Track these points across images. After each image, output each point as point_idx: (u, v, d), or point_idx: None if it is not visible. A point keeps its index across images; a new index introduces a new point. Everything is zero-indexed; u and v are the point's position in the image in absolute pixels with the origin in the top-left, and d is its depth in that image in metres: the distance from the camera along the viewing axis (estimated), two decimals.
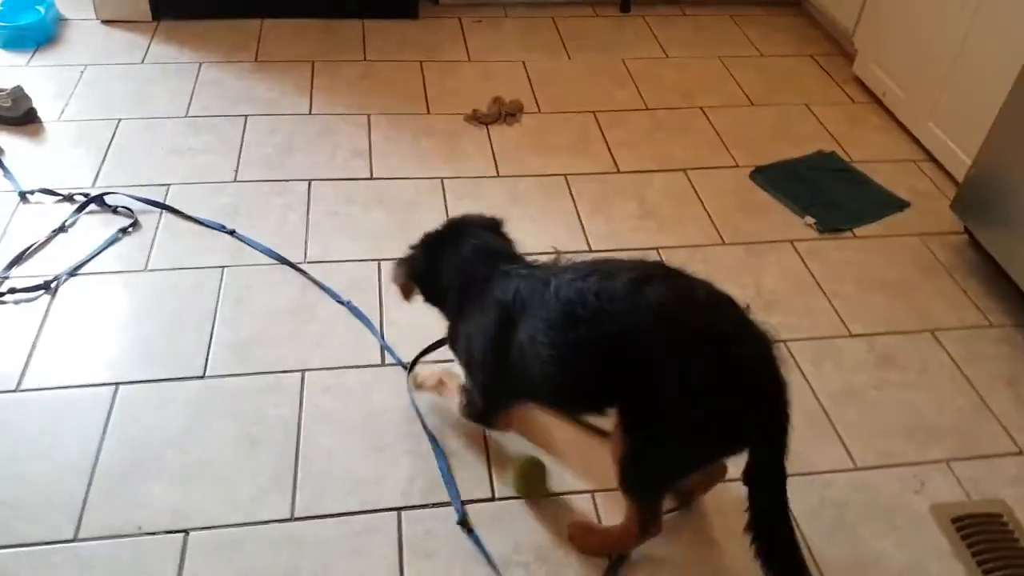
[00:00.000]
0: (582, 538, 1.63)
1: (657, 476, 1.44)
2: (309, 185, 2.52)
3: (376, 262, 2.27)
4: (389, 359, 1.99)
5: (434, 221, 2.37)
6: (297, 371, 1.94)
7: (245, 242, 2.28)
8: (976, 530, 1.72)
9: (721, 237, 2.47)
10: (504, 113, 2.88)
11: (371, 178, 2.59)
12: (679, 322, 1.31)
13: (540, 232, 2.44)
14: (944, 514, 1.76)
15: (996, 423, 1.98)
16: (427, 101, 2.95)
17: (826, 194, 2.63)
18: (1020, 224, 2.19)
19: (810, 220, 2.53)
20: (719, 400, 1.30)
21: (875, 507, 1.77)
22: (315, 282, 2.17)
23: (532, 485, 1.71)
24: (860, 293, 2.31)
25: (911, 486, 1.82)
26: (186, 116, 2.76)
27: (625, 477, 1.43)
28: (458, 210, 2.46)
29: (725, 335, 1.30)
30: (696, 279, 1.41)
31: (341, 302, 2.12)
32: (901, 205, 2.62)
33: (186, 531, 1.61)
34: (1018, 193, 2.18)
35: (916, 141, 2.86)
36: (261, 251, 2.25)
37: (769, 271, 2.37)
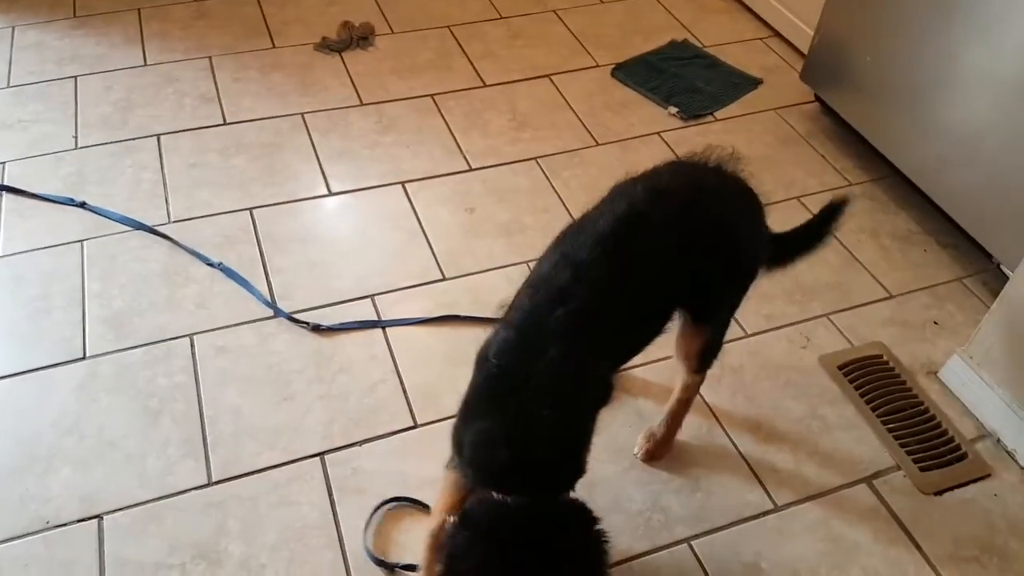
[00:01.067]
0: (661, 451, 1.66)
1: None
2: (159, 140, 2.36)
3: (248, 211, 2.17)
4: (284, 306, 1.93)
5: (303, 161, 2.33)
6: (184, 336, 1.85)
7: (99, 212, 2.12)
8: (860, 372, 1.88)
9: (594, 138, 2.50)
10: (356, 38, 2.77)
11: (225, 123, 2.44)
12: (708, 210, 1.36)
13: (416, 157, 2.39)
14: (831, 363, 1.90)
15: (866, 273, 2.13)
16: (270, 34, 2.79)
17: (684, 82, 2.69)
18: (865, 85, 2.32)
19: (673, 110, 2.59)
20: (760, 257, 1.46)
21: (769, 367, 1.89)
22: (181, 246, 2.06)
23: None
24: None
25: (798, 343, 1.95)
26: (8, 87, 2.50)
27: (704, 361, 1.52)
28: (326, 148, 2.39)
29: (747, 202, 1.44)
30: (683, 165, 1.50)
31: (212, 264, 2.02)
32: (755, 83, 2.72)
33: (99, 516, 1.53)
34: (859, 55, 2.30)
35: (760, 19, 2.96)
36: (117, 220, 2.10)
37: (643, 164, 2.36)
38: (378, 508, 1.56)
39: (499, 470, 1.15)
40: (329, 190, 2.28)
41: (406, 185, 2.31)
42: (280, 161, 2.34)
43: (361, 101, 2.57)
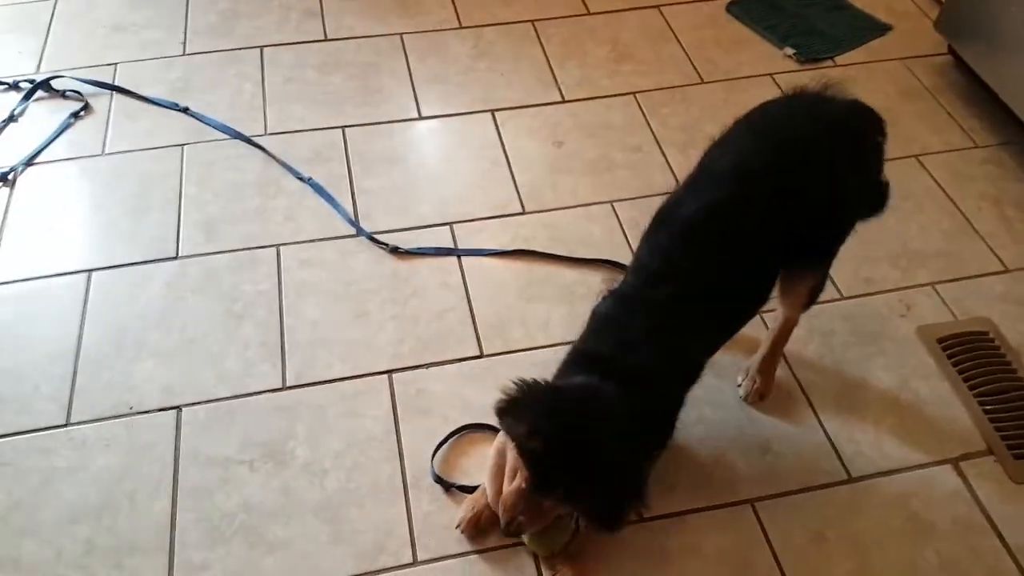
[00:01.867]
0: (768, 388, 1.63)
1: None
2: (261, 52, 2.39)
3: (340, 129, 2.18)
4: (366, 226, 1.94)
5: (397, 83, 2.31)
6: (271, 246, 1.89)
7: (200, 119, 2.17)
8: (962, 348, 1.75)
9: (700, 76, 2.38)
10: None
11: (326, 39, 2.45)
12: (818, 157, 1.36)
13: (509, 86, 2.33)
14: (930, 335, 1.78)
15: (982, 243, 1.97)
16: None
17: (805, 22, 2.51)
18: (1006, 39, 2.10)
19: (790, 51, 2.43)
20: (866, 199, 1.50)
21: (862, 333, 1.78)
22: (275, 158, 2.08)
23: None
24: None
25: (897, 310, 1.83)
26: None
27: (810, 301, 1.52)
28: (421, 72, 2.36)
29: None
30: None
31: (302, 179, 2.03)
32: (883, 29, 2.52)
33: (178, 407, 1.60)
34: (1003, 5, 2.08)
35: None
36: (217, 128, 2.15)
37: (750, 107, 2.28)
38: (452, 435, 1.57)
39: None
40: (420, 114, 2.26)
41: (495, 114, 2.26)
42: (375, 82, 2.33)
43: (460, 24, 2.52)
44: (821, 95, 1.42)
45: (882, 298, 1.85)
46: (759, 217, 1.32)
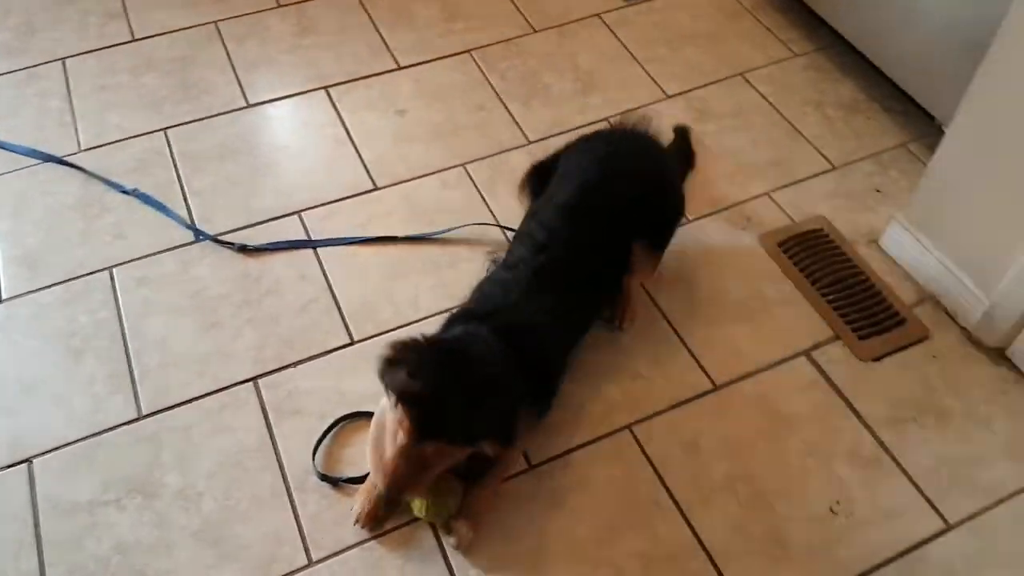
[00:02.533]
0: (637, 312, 1.74)
1: None
2: (64, 64, 2.22)
3: (161, 132, 2.07)
4: (205, 230, 1.86)
5: (218, 73, 2.21)
6: (103, 270, 1.78)
7: (3, 147, 2.01)
8: (800, 248, 1.85)
9: (531, 25, 2.38)
10: None
11: (133, 39, 2.30)
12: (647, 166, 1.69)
13: (338, 60, 2.27)
14: (771, 241, 1.87)
15: (809, 146, 2.08)
16: None
17: None
18: None
19: None
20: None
21: (710, 251, 1.86)
22: (93, 175, 1.96)
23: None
24: (672, 53, 2.31)
25: (739, 223, 1.92)
26: None
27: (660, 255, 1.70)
28: (242, 57, 2.26)
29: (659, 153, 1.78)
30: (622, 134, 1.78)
31: (126, 191, 1.92)
32: None
33: (28, 460, 1.50)
34: None
35: None
36: (24, 153, 2.00)
37: (583, 51, 2.32)
38: (329, 429, 1.54)
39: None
40: (247, 102, 2.17)
41: (330, 90, 2.20)
42: (194, 75, 2.22)
43: (278, 2, 2.42)
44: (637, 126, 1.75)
45: (724, 214, 1.93)
46: (616, 199, 1.57)
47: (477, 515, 1.42)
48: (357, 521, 1.41)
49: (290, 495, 1.47)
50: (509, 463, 1.48)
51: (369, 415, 1.52)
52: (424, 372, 1.24)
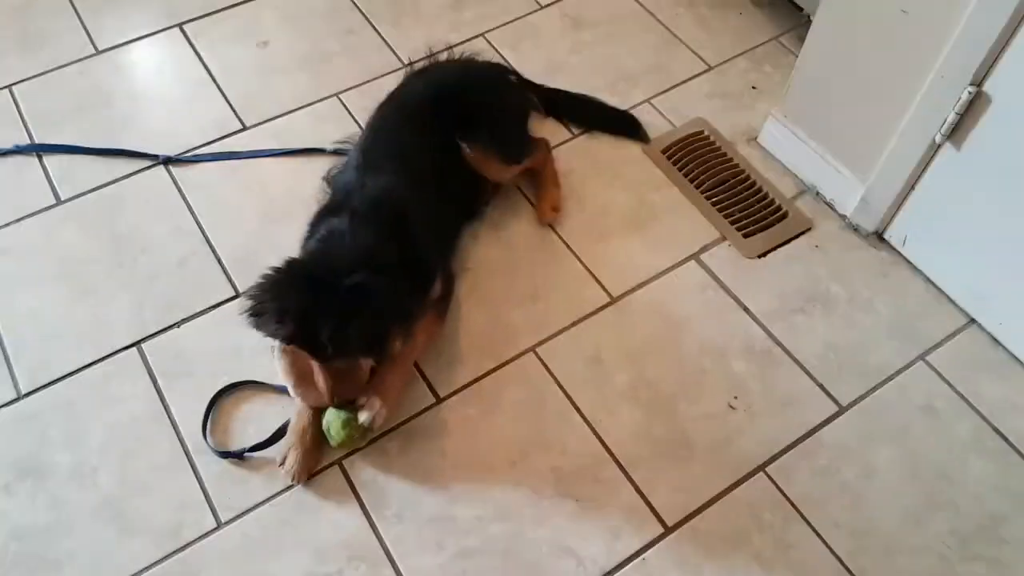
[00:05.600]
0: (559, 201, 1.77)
1: (518, 138, 1.78)
2: None
3: (7, 89, 1.92)
4: (65, 192, 1.74)
5: (61, 20, 2.02)
6: None
7: None
8: (683, 153, 1.87)
9: None
10: None
11: None
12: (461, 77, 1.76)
13: None
14: (655, 148, 1.88)
15: (685, 49, 2.08)
16: None
17: None
18: None
19: None
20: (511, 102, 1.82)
21: (596, 164, 1.86)
22: None
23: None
24: None
25: (623, 136, 1.91)
26: None
27: (510, 156, 1.70)
28: (85, 0, 2.08)
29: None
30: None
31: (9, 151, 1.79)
32: None
33: None
34: None
35: None
36: None
37: None
38: (213, 402, 1.48)
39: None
40: (96, 48, 2.01)
41: (184, 27, 2.06)
42: (35, 25, 2.04)
43: None
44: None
45: None
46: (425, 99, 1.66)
47: (386, 392, 1.41)
48: (293, 478, 1.38)
49: (190, 459, 1.43)
50: (415, 346, 1.47)
51: (256, 384, 1.49)
52: (288, 310, 1.25)
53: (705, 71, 2.04)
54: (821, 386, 1.57)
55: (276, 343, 1.33)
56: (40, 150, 1.80)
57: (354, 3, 2.13)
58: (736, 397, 1.55)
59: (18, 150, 1.80)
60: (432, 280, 1.47)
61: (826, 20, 1.62)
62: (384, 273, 1.29)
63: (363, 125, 1.86)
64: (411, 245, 1.40)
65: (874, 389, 1.57)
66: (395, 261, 1.34)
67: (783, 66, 2.03)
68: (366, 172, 1.49)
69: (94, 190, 1.75)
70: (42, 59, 1.97)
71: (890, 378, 1.58)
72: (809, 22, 1.70)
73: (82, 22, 2.05)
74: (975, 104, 1.43)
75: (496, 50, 2.04)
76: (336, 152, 1.81)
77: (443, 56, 1.82)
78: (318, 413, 1.41)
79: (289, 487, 1.40)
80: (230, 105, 1.92)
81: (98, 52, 2.00)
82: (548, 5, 2.15)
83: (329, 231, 1.38)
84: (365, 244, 1.34)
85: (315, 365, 1.32)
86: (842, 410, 1.54)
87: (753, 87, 2.01)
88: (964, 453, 1.50)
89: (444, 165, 1.60)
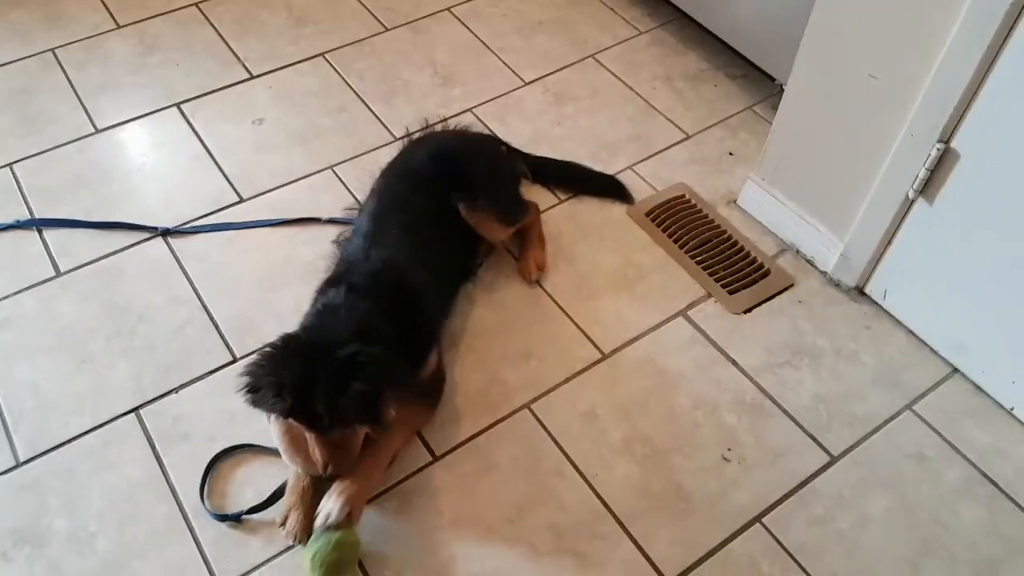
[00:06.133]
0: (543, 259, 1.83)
1: (513, 200, 1.84)
2: None
3: (7, 168, 1.97)
4: (64, 264, 1.77)
5: (61, 102, 2.10)
6: None
7: None
8: (666, 215, 1.94)
9: (383, 23, 2.39)
10: None
11: None
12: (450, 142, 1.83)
13: (187, 76, 2.20)
14: (639, 212, 1.95)
15: (663, 118, 2.17)
16: None
17: None
18: None
19: None
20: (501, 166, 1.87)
21: (583, 227, 1.92)
22: None
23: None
24: (524, 41, 2.36)
25: (607, 200, 1.98)
26: None
27: (508, 217, 1.78)
28: (85, 83, 2.16)
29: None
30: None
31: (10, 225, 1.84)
32: None
33: None
34: None
35: None
36: None
37: (438, 46, 2.34)
38: (210, 466, 1.48)
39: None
40: (96, 127, 2.07)
41: (182, 107, 2.13)
42: (36, 106, 2.11)
43: (118, 23, 2.33)
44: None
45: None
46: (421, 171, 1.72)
47: (360, 480, 1.37)
48: (295, 539, 1.37)
49: (188, 522, 1.42)
50: (391, 440, 1.44)
51: (240, 447, 1.50)
52: (285, 384, 1.26)
53: (683, 139, 2.13)
54: (812, 437, 1.59)
55: (275, 420, 1.34)
56: (40, 224, 1.84)
57: (346, 82, 2.22)
58: (729, 449, 1.57)
59: (18, 224, 1.83)
60: (428, 350, 1.50)
61: (798, 87, 1.71)
62: (378, 342, 1.32)
63: (356, 195, 1.94)
64: (409, 314, 1.44)
65: (864, 439, 1.59)
66: (390, 331, 1.37)
67: (758, 133, 2.13)
68: (374, 239, 1.54)
69: (93, 262, 1.78)
70: (42, 138, 2.03)
71: (879, 428, 1.61)
72: (781, 91, 1.79)
73: (82, 103, 2.13)
74: (944, 160, 1.51)
75: (484, 123, 2.13)
76: (332, 221, 1.86)
77: (438, 127, 1.89)
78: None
79: (289, 547, 1.39)
80: (227, 179, 1.98)
81: (97, 131, 2.07)
82: (532, 82, 2.25)
83: (325, 304, 1.41)
84: (361, 317, 1.37)
85: (309, 436, 1.32)
86: (834, 460, 1.56)
87: (730, 153, 2.10)
88: (956, 500, 1.52)
89: (445, 228, 1.67)
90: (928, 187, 1.56)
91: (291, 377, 1.26)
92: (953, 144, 1.49)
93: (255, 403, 1.28)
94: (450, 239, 1.68)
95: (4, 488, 1.45)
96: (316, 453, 1.32)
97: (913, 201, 1.60)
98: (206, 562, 1.38)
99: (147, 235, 1.84)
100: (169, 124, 2.10)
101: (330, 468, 1.32)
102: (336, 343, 1.29)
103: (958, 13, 1.36)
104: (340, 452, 1.33)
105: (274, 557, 1.39)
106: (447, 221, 1.67)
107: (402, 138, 1.91)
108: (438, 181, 1.68)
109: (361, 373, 1.26)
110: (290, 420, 1.30)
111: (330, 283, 1.48)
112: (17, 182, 1.94)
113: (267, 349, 1.32)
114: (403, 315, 1.42)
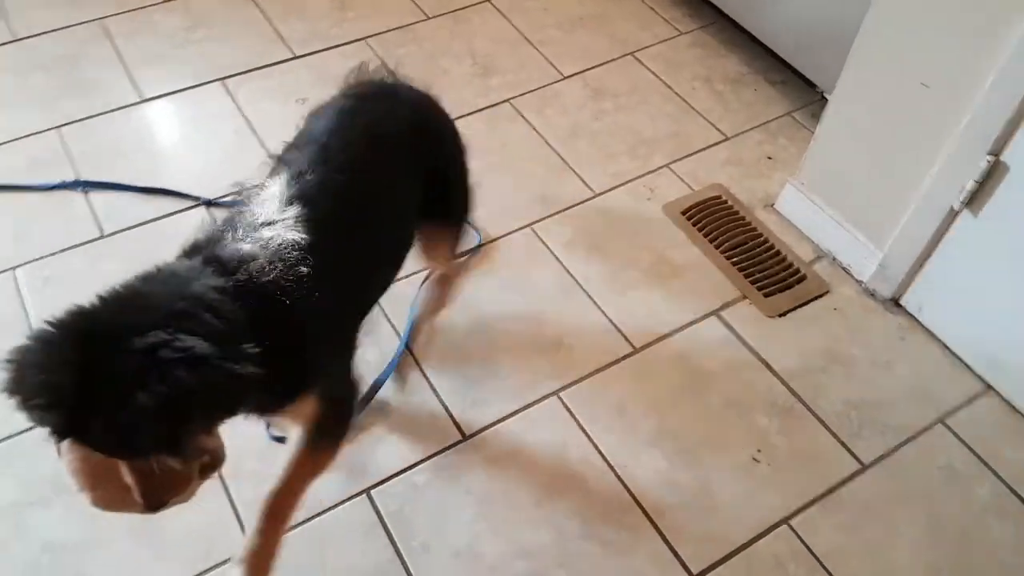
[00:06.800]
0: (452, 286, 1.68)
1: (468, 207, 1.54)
2: None
3: (56, 130, 1.99)
4: (109, 227, 1.79)
5: (109, 70, 2.12)
6: (6, 271, 1.71)
7: None
8: (702, 215, 1.93)
9: (424, 12, 2.40)
10: None
11: (15, 39, 2.20)
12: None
13: (232, 52, 2.22)
14: (675, 210, 1.95)
15: (702, 119, 2.17)
16: None
17: None
18: None
19: None
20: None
21: (618, 222, 1.92)
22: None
23: None
24: (564, 35, 2.37)
25: (643, 195, 1.98)
26: None
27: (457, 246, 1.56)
28: (132, 53, 2.19)
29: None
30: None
31: (57, 187, 1.86)
32: None
33: None
34: None
35: None
36: None
37: (478, 36, 2.35)
38: None
39: None
40: (142, 96, 2.10)
41: (226, 82, 2.15)
42: (84, 73, 2.13)
43: None
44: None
45: (629, 187, 2.00)
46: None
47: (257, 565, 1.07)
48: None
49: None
50: (288, 486, 1.11)
51: None
52: (60, 387, 0.84)
53: (722, 141, 2.13)
54: (843, 443, 1.59)
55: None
56: (86, 187, 1.86)
57: (387, 67, 2.23)
58: (759, 450, 1.56)
59: (65, 185, 1.86)
60: (306, 384, 1.06)
61: (846, 92, 1.71)
62: (209, 337, 0.88)
63: None
64: (292, 327, 1.02)
65: (895, 449, 1.59)
66: (243, 331, 0.92)
67: (797, 139, 2.13)
68: (290, 207, 1.09)
69: (137, 226, 1.80)
70: (89, 104, 2.06)
71: (911, 439, 1.60)
72: (822, 99, 1.79)
73: (128, 72, 2.15)
74: (993, 173, 1.50)
75: (521, 115, 2.14)
76: None
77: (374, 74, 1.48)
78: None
79: (326, 509, 1.40)
80: (270, 154, 1.99)
81: (143, 100, 2.09)
82: (570, 76, 2.26)
83: (158, 271, 0.97)
84: (197, 295, 0.92)
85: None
86: (864, 468, 1.56)
87: (769, 157, 2.10)
88: (985, 515, 1.51)
89: (392, 225, 1.29)
90: (974, 199, 1.55)
91: (68, 376, 0.83)
92: (1003, 157, 1.48)
93: (23, 409, 0.85)
94: (393, 244, 1.30)
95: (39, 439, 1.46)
96: (128, 478, 0.88)
97: (958, 213, 1.59)
98: (237, 518, 1.39)
99: (190, 203, 1.86)
100: (213, 99, 2.11)
101: (145, 502, 0.90)
102: (139, 328, 0.86)
103: (1018, 24, 1.36)
104: (156, 479, 0.89)
105: (299, 524, 1.40)
106: (396, 215, 1.28)
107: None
108: (412, 163, 1.28)
109: (154, 377, 0.83)
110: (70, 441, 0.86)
111: (189, 251, 1.04)
112: (64, 145, 1.96)
113: (41, 329, 0.86)
114: (281, 324, 0.99)
